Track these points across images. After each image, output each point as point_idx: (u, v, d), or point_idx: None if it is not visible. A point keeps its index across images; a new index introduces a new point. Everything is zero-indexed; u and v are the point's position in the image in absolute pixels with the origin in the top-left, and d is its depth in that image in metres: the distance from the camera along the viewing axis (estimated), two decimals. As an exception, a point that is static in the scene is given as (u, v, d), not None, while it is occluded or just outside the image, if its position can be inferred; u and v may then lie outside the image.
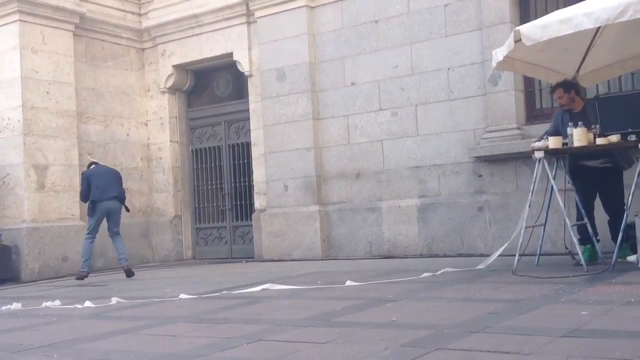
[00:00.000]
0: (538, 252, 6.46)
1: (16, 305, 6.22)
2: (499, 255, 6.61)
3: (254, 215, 10.31)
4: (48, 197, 9.81)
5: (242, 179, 10.86)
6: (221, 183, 11.11)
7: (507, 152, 7.92)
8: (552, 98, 7.04)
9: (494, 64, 6.39)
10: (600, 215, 6.46)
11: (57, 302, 6.20)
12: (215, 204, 11.19)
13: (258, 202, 10.28)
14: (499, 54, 6.17)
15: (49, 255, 9.69)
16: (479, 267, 6.55)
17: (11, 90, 9.71)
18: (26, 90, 9.67)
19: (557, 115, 6.57)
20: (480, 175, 8.31)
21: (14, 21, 9.69)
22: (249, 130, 10.55)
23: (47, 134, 9.87)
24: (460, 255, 8.21)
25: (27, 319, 5.43)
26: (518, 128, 8.00)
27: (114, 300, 6.05)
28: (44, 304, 6.16)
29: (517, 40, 5.83)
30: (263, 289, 6.06)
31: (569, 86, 6.37)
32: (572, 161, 6.32)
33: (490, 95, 8.19)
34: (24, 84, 9.65)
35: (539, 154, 6.02)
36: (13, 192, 9.64)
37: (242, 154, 10.85)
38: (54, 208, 9.88)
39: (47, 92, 9.92)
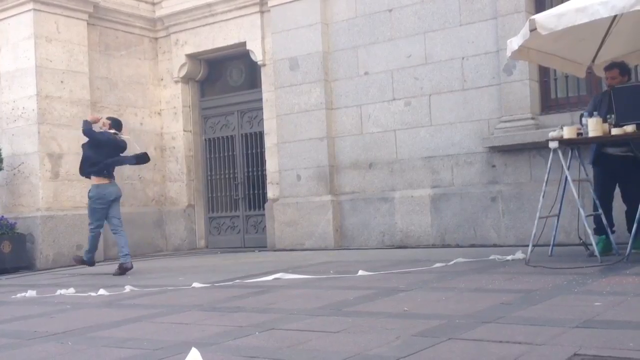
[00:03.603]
0: (552, 243, 6.42)
1: (31, 293, 6.29)
2: (510, 246, 6.57)
3: (266, 205, 10.33)
4: (62, 185, 9.88)
5: (255, 169, 10.88)
6: (234, 172, 11.13)
7: (521, 142, 7.87)
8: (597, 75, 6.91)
9: (508, 54, 6.34)
10: (618, 206, 6.41)
11: (72, 290, 6.26)
12: (228, 194, 11.23)
13: (271, 192, 10.30)
14: (513, 43, 6.12)
15: (63, 244, 9.77)
16: (516, 256, 6.43)
17: (25, 79, 9.76)
18: (40, 80, 9.73)
19: (597, 97, 6.50)
20: (493, 166, 8.27)
21: (28, 10, 9.73)
22: (262, 119, 10.55)
23: (61, 123, 9.93)
24: (473, 245, 8.19)
25: (41, 306, 5.48)
26: (533, 118, 7.95)
27: (128, 288, 6.10)
28: (59, 292, 6.23)
29: (533, 30, 5.78)
30: (275, 278, 6.08)
31: (626, 70, 6.30)
32: (598, 148, 6.28)
33: (505, 85, 8.13)
34: (38, 73, 9.70)
35: (553, 144, 5.98)
36: (28, 181, 9.71)
37: (255, 144, 10.86)
38: (68, 197, 9.95)
39: (61, 82, 9.97)
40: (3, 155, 9.67)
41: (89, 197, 7.88)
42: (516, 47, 6.10)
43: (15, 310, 5.33)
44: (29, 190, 9.72)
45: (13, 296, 6.28)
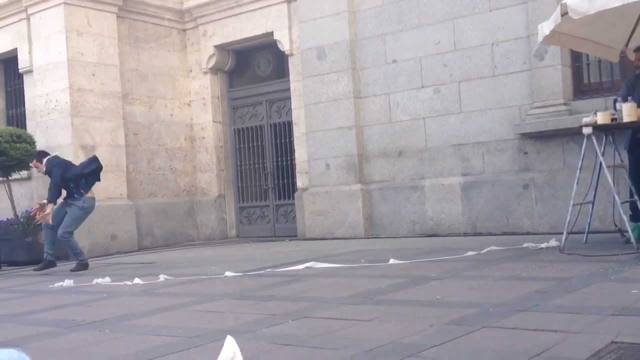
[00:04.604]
0: (586, 230, 6.35)
1: (68, 282, 6.41)
2: (543, 234, 6.51)
3: (296, 194, 10.37)
4: (95, 177, 10.01)
5: (284, 158, 10.92)
6: (263, 162, 11.18)
7: (553, 129, 7.76)
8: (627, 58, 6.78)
9: (540, 39, 6.25)
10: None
11: (107, 279, 6.36)
12: (258, 183, 11.29)
13: (300, 181, 10.33)
14: (545, 28, 6.02)
15: (98, 234, 9.93)
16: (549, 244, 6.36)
17: (58, 72, 9.91)
18: (72, 73, 9.86)
19: (629, 80, 6.38)
20: (525, 153, 8.17)
21: (59, 4, 9.86)
22: (290, 109, 10.57)
23: (93, 115, 10.07)
24: (505, 233, 8.12)
25: (78, 295, 5.59)
26: (565, 104, 7.83)
27: (162, 277, 6.18)
28: (95, 281, 6.34)
29: (564, 14, 5.68)
30: (306, 267, 6.11)
31: None
32: (633, 134, 6.17)
33: (536, 71, 8.02)
34: (70, 67, 9.84)
35: (586, 130, 5.89)
36: (62, 173, 9.86)
37: (283, 133, 10.89)
38: (102, 188, 10.06)
39: (93, 74, 10.10)
40: (37, 148, 9.84)
41: (82, 208, 7.85)
42: (547, 32, 6.00)
43: (53, 300, 5.44)
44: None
45: (51, 285, 6.41)
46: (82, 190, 7.87)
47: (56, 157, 8.15)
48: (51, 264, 7.96)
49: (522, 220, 8.12)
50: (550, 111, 7.87)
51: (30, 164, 8.51)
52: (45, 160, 8.01)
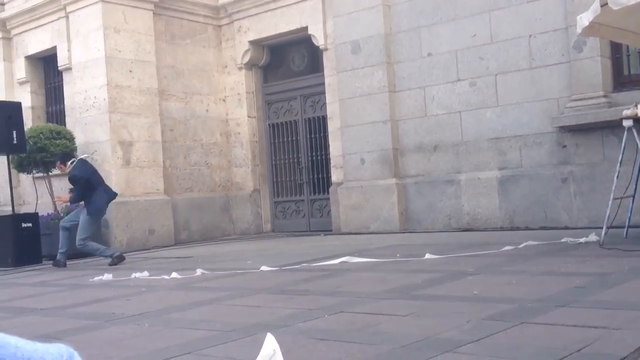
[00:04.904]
0: (626, 225, 6.22)
1: (107, 276, 6.53)
2: (582, 228, 6.39)
3: (331, 189, 10.37)
4: (134, 172, 10.18)
5: (318, 153, 10.93)
6: (298, 157, 11.22)
7: (593, 121, 7.62)
8: None
9: (578, 30, 6.13)
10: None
11: (146, 273, 6.46)
12: (292, 178, 11.33)
13: (335, 176, 10.33)
14: (584, 19, 5.91)
15: (136, 228, 10.09)
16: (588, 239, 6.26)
17: (96, 69, 10.08)
18: (110, 70, 10.02)
19: None
20: (564, 146, 8.04)
21: (97, 2, 10.02)
22: (324, 104, 10.57)
23: (131, 112, 10.22)
24: (543, 228, 8.01)
25: (118, 289, 5.69)
26: (605, 96, 7.68)
27: (199, 271, 6.24)
28: (133, 275, 6.44)
29: (604, 5, 5.56)
30: (342, 262, 6.11)
31: None
32: None
33: (575, 63, 7.87)
34: (108, 64, 9.99)
35: (627, 123, 5.77)
36: (101, 168, 10.01)
37: (318, 128, 10.90)
38: (140, 183, 10.26)
39: (130, 71, 10.24)
40: (77, 144, 10.05)
41: (89, 213, 8.05)
42: (586, 23, 5.88)
43: (93, 293, 5.55)
44: (103, 177, 10.03)
45: (90, 279, 6.54)
46: (94, 199, 8.07)
47: (82, 162, 8.35)
48: (58, 264, 8.11)
49: (561, 214, 8.00)
50: (589, 103, 7.72)
51: (55, 166, 8.79)
52: (69, 163, 8.32)
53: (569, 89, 7.96)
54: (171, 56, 10.97)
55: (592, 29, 6.12)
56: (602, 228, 5.88)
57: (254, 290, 4.86)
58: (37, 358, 1.23)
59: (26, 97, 11.38)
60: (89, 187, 8.05)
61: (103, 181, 8.43)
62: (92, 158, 10.06)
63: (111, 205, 9.79)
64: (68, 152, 8.69)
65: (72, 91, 10.54)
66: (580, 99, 7.80)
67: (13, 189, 9.57)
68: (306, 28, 10.53)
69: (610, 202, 5.89)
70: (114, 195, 8.46)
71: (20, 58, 11.50)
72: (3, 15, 11.41)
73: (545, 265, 4.97)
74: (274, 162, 11.56)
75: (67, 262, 8.18)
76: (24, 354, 1.22)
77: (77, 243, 8.01)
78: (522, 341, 2.78)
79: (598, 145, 7.77)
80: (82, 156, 8.70)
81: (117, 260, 7.92)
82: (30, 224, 8.90)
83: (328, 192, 10.53)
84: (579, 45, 7.80)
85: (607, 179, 7.06)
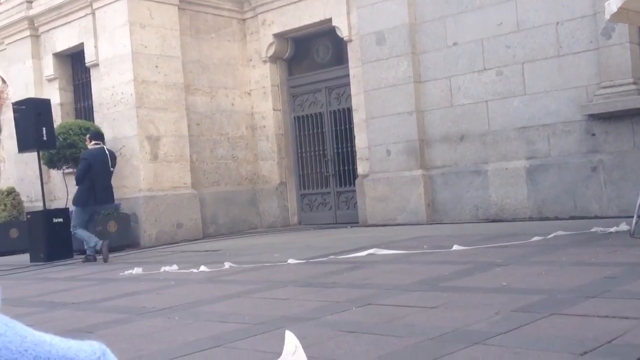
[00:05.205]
0: (658, 214, 6.11)
1: (137, 270, 6.60)
2: (612, 218, 6.30)
3: (357, 181, 10.36)
4: (161, 167, 10.28)
5: (344, 145, 10.92)
6: (324, 149, 11.22)
7: (622, 109, 7.50)
8: None
9: (607, 16, 6.02)
10: None
11: (175, 267, 6.52)
12: (318, 170, 11.34)
13: (361, 168, 10.32)
14: (612, 5, 5.80)
15: (165, 222, 10.19)
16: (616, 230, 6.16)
17: (123, 65, 10.18)
18: (137, 65, 10.11)
19: None
20: (593, 134, 7.92)
21: (123, -1, 10.11)
22: (349, 96, 10.55)
23: (157, 107, 10.30)
24: (572, 217, 7.91)
25: (147, 282, 5.76)
26: (634, 83, 7.55)
27: (227, 265, 6.29)
28: (163, 269, 6.51)
29: (634, -11, 5.46)
30: (369, 254, 6.11)
31: None
32: None
33: (604, 49, 7.74)
34: (134, 59, 10.08)
35: (658, 110, 5.66)
36: (130, 163, 10.16)
37: (343, 120, 10.88)
38: (168, 177, 10.35)
39: (156, 66, 10.32)
40: (105, 140, 10.15)
41: (73, 202, 8.42)
42: (615, 9, 5.78)
43: (123, 287, 5.62)
44: (130, 172, 10.17)
45: (121, 273, 6.62)
46: (83, 189, 8.26)
47: (101, 150, 8.45)
48: (89, 259, 8.25)
49: (591, 203, 7.89)
50: (619, 91, 7.60)
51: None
52: (93, 142, 8.55)
53: (597, 77, 7.83)
54: (196, 51, 11.03)
55: (621, 15, 6.01)
56: (632, 217, 5.79)
57: (282, 283, 4.88)
58: (71, 355, 1.25)
59: (55, 94, 11.54)
60: (89, 174, 8.23)
61: (105, 181, 8.44)
62: (120, 153, 10.20)
63: (140, 199, 9.97)
64: (100, 133, 8.89)
65: (100, 87, 10.66)
66: (610, 86, 7.68)
67: (44, 184, 9.72)
68: (330, 20, 10.51)
69: (641, 191, 5.80)
70: (108, 202, 8.53)
71: (49, 55, 11.66)
72: (31, 12, 11.57)
73: (575, 255, 4.91)
74: (299, 155, 11.58)
75: (98, 257, 8.30)
76: (59, 351, 1.25)
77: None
78: (552, 333, 2.76)
79: (628, 132, 7.65)
80: (109, 148, 8.78)
81: (88, 260, 8.14)
82: (61, 219, 9.04)
83: (354, 184, 10.52)
84: (607, 31, 7.67)
85: (638, 167, 6.96)
